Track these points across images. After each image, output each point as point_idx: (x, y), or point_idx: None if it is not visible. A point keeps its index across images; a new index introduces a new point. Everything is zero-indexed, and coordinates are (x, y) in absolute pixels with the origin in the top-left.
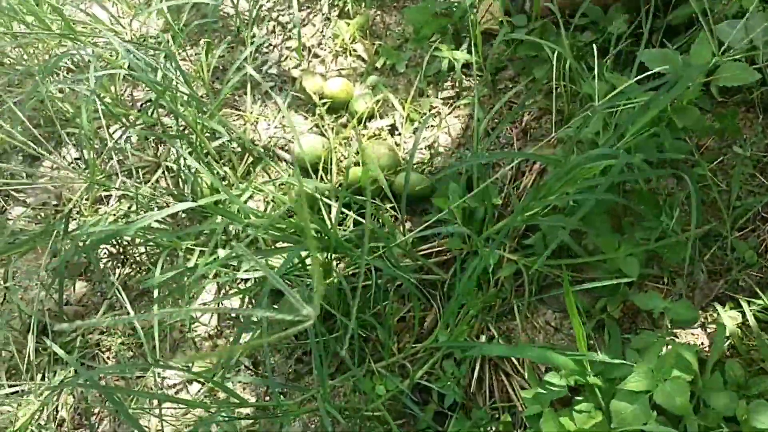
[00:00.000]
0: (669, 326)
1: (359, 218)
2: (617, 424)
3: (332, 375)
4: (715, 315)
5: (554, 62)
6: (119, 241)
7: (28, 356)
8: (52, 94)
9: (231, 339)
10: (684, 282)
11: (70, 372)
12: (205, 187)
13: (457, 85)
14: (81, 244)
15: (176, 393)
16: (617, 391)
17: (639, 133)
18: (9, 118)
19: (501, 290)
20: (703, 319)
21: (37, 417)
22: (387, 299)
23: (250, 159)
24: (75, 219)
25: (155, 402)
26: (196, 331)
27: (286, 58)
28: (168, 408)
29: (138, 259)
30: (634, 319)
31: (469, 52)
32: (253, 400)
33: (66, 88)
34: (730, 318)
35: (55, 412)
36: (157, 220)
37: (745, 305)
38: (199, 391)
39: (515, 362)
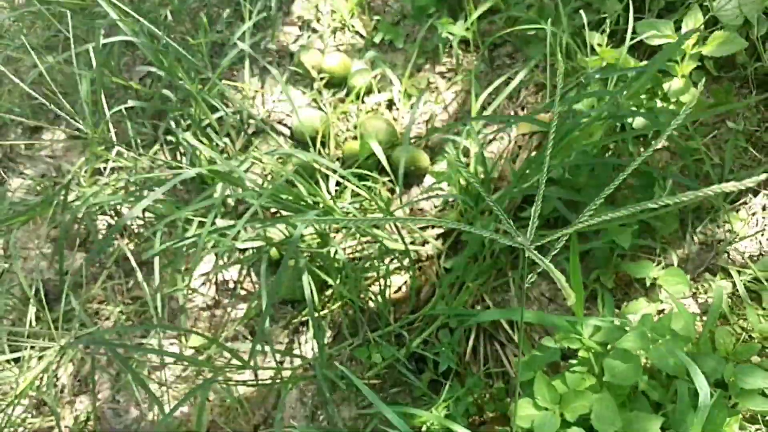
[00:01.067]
0: (660, 295)
1: (357, 189)
2: (609, 378)
3: (329, 344)
4: (706, 286)
5: (550, 39)
6: (118, 212)
7: (29, 323)
8: (52, 67)
9: (229, 309)
10: (676, 253)
11: (71, 339)
12: (203, 159)
13: (454, 61)
14: (80, 215)
15: (175, 362)
16: (611, 350)
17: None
18: (9, 91)
19: (496, 262)
20: (694, 290)
21: (37, 383)
22: (384, 270)
23: (249, 132)
24: (74, 191)
25: (155, 373)
26: (194, 301)
27: (285, 33)
28: (168, 375)
29: (136, 230)
30: (627, 290)
31: (467, 28)
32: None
33: (65, 61)
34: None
35: (55, 378)
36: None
37: (735, 275)
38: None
39: (509, 331)
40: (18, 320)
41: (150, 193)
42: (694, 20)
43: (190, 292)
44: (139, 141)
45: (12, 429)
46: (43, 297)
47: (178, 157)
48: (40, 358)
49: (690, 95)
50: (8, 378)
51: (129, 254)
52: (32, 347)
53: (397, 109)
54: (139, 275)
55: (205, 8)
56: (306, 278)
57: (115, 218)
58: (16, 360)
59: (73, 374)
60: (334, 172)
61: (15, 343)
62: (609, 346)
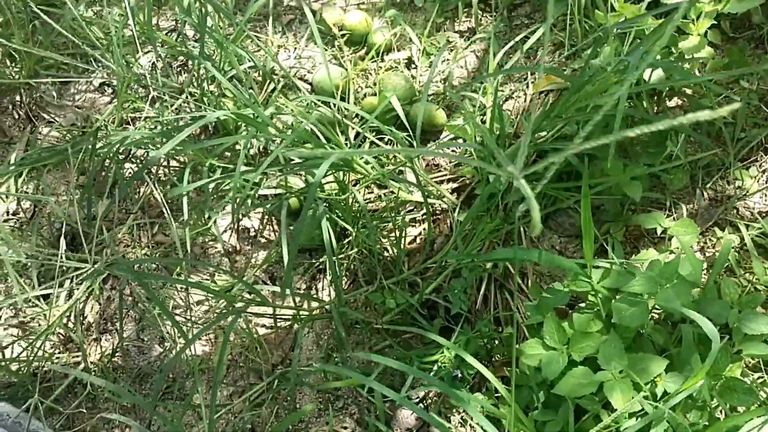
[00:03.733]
0: (671, 245)
1: (376, 141)
2: (617, 320)
3: (345, 290)
4: (714, 240)
5: None
6: (144, 159)
7: (60, 256)
8: (83, 18)
9: (249, 255)
10: (686, 208)
11: (96, 279)
12: (228, 108)
13: (473, 20)
14: (107, 161)
15: (198, 304)
16: (620, 294)
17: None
18: (40, 40)
19: (509, 215)
20: (702, 244)
21: (65, 320)
22: (400, 220)
23: (271, 87)
24: (101, 140)
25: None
26: (215, 247)
27: None
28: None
29: (162, 177)
30: (636, 244)
31: None
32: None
33: (96, 12)
34: (729, 240)
35: (81, 317)
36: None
37: (743, 229)
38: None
39: (519, 281)
40: (47, 261)
41: (176, 135)
42: None
43: (212, 238)
44: (165, 92)
45: (40, 363)
46: (74, 237)
47: (203, 109)
48: (69, 295)
49: (705, 53)
50: (38, 313)
51: (157, 194)
52: (61, 284)
53: (416, 66)
54: (166, 212)
55: None
56: (325, 224)
57: (141, 166)
58: (45, 297)
59: (99, 313)
60: (355, 117)
61: (44, 282)
62: (617, 294)
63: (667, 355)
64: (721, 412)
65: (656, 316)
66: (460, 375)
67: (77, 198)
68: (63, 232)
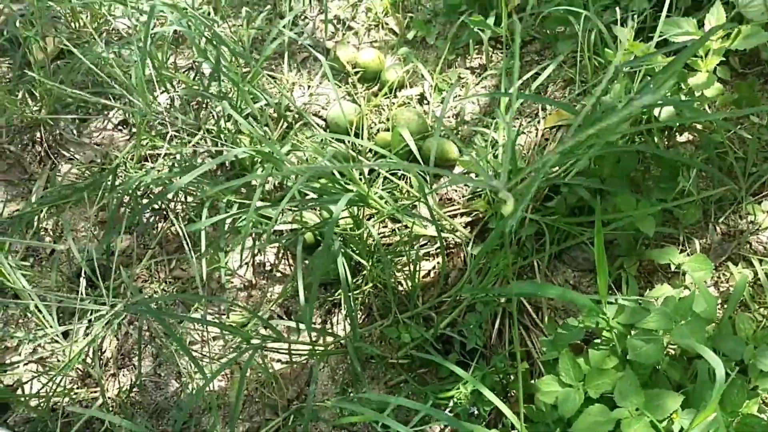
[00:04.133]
0: (684, 282)
1: (389, 176)
2: (633, 357)
3: (360, 325)
4: (728, 274)
5: (580, 33)
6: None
7: (80, 296)
8: (102, 59)
9: (265, 290)
10: (699, 242)
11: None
12: (244, 144)
13: (484, 57)
14: (126, 198)
15: (214, 340)
16: (635, 330)
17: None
18: (61, 81)
19: (522, 249)
20: (716, 278)
21: (83, 356)
22: (414, 254)
23: (285, 124)
24: (120, 176)
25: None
26: (232, 282)
27: (322, 30)
28: (203, 350)
29: (180, 215)
30: (650, 278)
31: (497, 24)
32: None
33: (114, 53)
34: (744, 275)
35: (100, 352)
36: (198, 177)
37: (757, 264)
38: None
39: (534, 316)
40: (66, 297)
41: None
42: (716, 16)
43: (228, 273)
44: (183, 129)
45: (60, 398)
46: (90, 275)
47: (220, 146)
48: (87, 332)
49: (714, 90)
50: (57, 350)
51: (177, 229)
52: (80, 319)
53: (428, 102)
54: (186, 246)
55: (247, 5)
56: (341, 260)
57: (160, 203)
58: (65, 334)
59: (117, 348)
60: (369, 152)
61: (63, 318)
62: (632, 330)
63: (684, 391)
64: None
65: (672, 351)
66: (476, 412)
67: (96, 234)
68: (83, 270)
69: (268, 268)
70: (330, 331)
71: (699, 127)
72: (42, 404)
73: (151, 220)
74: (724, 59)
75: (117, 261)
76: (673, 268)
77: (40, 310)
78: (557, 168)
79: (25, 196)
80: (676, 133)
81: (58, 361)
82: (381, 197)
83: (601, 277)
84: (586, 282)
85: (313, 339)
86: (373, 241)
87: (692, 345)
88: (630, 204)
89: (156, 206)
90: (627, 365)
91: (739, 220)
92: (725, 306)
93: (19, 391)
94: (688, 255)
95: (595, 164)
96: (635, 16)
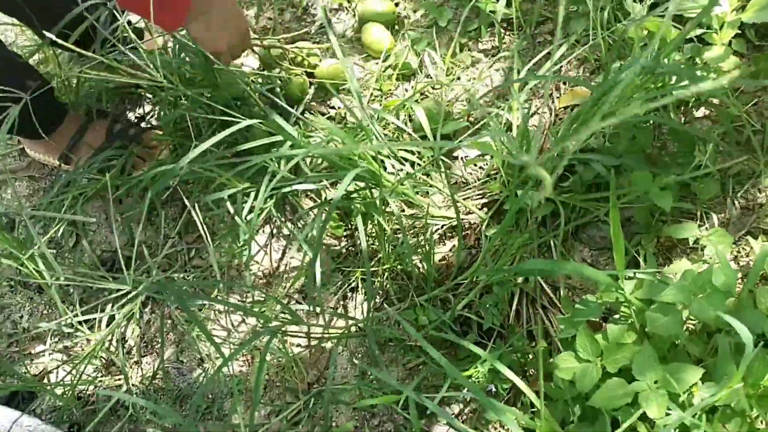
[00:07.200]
0: (703, 255)
1: (404, 158)
2: (651, 330)
3: (378, 308)
4: (747, 249)
5: (592, 11)
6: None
7: (104, 278)
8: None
9: (283, 276)
10: (717, 217)
11: (137, 303)
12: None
13: (497, 39)
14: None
15: (235, 326)
16: (653, 304)
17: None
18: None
19: (539, 230)
20: (735, 253)
21: (106, 344)
22: (430, 237)
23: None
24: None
25: (216, 334)
26: (250, 269)
27: (332, 15)
28: (223, 335)
29: (199, 204)
30: (669, 255)
31: (509, 5)
32: (304, 330)
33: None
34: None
35: (123, 341)
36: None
37: None
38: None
39: (551, 296)
40: (90, 284)
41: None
42: None
43: (247, 260)
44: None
45: (84, 386)
46: (113, 264)
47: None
48: (110, 320)
49: (730, 63)
50: (81, 338)
51: (195, 217)
52: (103, 308)
53: (441, 86)
54: (204, 235)
55: None
56: (363, 236)
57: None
58: (87, 322)
59: (139, 336)
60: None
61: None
62: (651, 305)
63: (704, 365)
64: (761, 422)
65: (692, 327)
66: (494, 390)
67: (117, 225)
68: (110, 256)
69: (285, 254)
70: (348, 315)
71: (715, 101)
72: (67, 392)
73: (170, 210)
74: (739, 32)
75: (136, 249)
76: (691, 243)
77: (63, 301)
78: (573, 144)
79: (48, 190)
80: (692, 109)
81: (82, 350)
82: (393, 174)
83: (617, 251)
84: (604, 260)
85: (330, 322)
86: (391, 221)
87: (715, 315)
88: (647, 180)
89: (175, 194)
90: (645, 340)
91: (758, 193)
92: (745, 280)
93: (45, 380)
94: (706, 230)
95: (611, 142)
96: None
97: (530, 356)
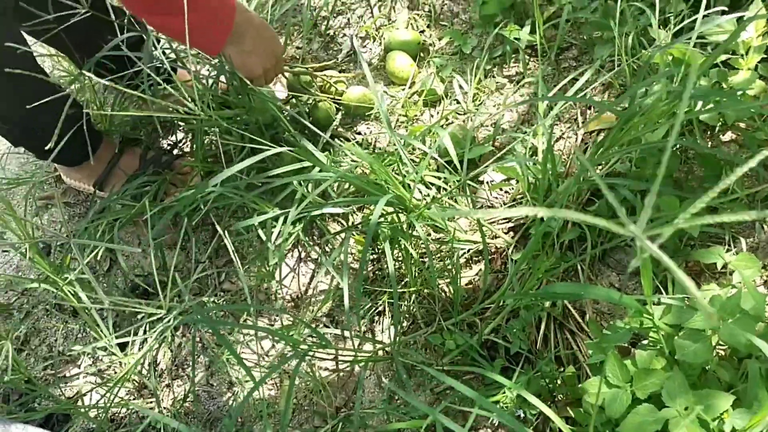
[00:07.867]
0: (732, 280)
1: (427, 184)
2: (680, 357)
3: (405, 332)
4: None
5: (617, 39)
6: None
7: (137, 304)
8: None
9: (312, 301)
10: (746, 242)
11: (170, 326)
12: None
13: (521, 66)
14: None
15: (265, 351)
16: (682, 330)
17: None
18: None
19: (565, 254)
20: (765, 277)
21: (139, 368)
22: (456, 261)
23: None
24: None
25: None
26: (279, 293)
27: (361, 43)
28: (253, 358)
29: (229, 228)
30: (697, 279)
31: (533, 32)
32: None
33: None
34: None
35: (155, 364)
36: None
37: None
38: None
39: (579, 320)
40: (125, 308)
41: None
42: (755, 11)
43: (276, 284)
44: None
45: (117, 409)
46: (146, 289)
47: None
48: (142, 344)
49: (757, 88)
50: (114, 362)
51: (226, 239)
52: (135, 333)
53: (466, 112)
54: (234, 259)
55: (285, 27)
56: (392, 263)
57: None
58: (121, 346)
59: (171, 359)
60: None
61: (118, 331)
62: (679, 330)
63: (734, 391)
64: None
65: (722, 352)
66: (522, 416)
67: (148, 251)
68: (141, 281)
69: (313, 278)
70: (375, 339)
71: (742, 125)
72: (101, 414)
73: (200, 234)
74: (765, 56)
75: (171, 275)
76: (719, 267)
77: (98, 324)
78: (600, 168)
79: (83, 215)
80: (719, 133)
81: (115, 373)
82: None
83: (645, 276)
84: (632, 285)
85: (358, 346)
86: (418, 245)
87: (745, 339)
88: (673, 204)
89: (206, 220)
90: (675, 366)
91: None
92: None
93: (79, 403)
94: (735, 254)
95: (637, 166)
96: (672, 18)
97: (558, 381)
